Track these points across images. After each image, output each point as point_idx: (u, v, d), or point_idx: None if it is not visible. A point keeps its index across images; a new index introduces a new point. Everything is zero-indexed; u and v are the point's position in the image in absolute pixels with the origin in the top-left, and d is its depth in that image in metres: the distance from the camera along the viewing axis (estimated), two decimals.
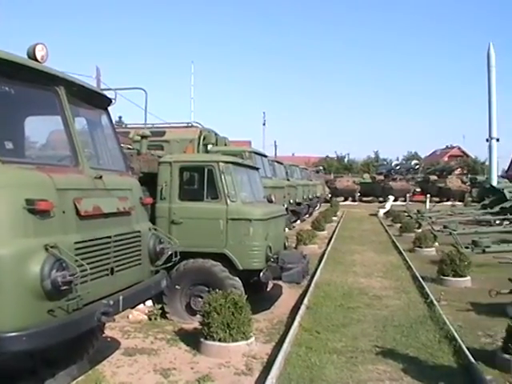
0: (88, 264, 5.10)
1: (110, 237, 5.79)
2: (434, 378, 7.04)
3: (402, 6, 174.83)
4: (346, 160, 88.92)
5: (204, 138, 14.69)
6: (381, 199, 48.78)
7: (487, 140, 49.86)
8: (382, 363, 7.61)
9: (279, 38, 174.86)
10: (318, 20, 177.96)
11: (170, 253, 7.44)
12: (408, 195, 46.94)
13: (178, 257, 7.69)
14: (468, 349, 7.87)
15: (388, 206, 39.21)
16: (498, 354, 7.52)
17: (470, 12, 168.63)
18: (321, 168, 61.96)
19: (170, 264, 7.57)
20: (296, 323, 9.14)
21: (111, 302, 5.54)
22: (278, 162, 23.74)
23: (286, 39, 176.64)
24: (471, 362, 7.37)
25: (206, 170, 9.65)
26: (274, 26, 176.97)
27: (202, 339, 7.89)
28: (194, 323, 9.02)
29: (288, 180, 23.65)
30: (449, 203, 47.12)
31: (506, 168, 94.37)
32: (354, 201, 53.82)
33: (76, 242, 5.16)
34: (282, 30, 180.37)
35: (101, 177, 5.97)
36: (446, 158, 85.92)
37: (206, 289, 9.31)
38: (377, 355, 7.94)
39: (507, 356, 7.29)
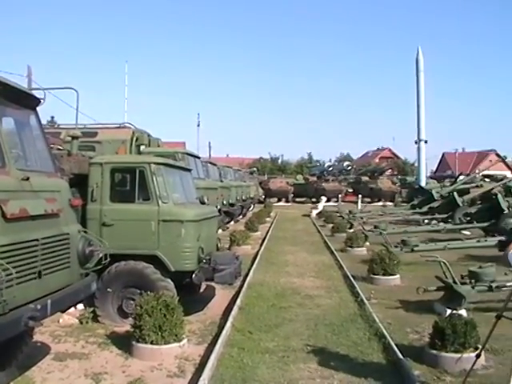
0: (14, 268, 4.97)
1: (37, 239, 5.66)
2: (364, 374, 7.18)
3: (332, 11, 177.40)
4: (279, 161, 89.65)
5: (137, 139, 14.51)
6: (314, 200, 49.31)
7: (416, 142, 51.36)
8: (314, 362, 7.70)
9: (213, 39, 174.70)
10: (251, 20, 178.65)
11: (100, 255, 7.33)
12: (340, 196, 47.64)
13: (108, 259, 7.59)
14: (397, 345, 8.05)
15: (320, 206, 39.71)
16: (425, 349, 7.74)
17: (401, 16, 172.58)
18: (255, 169, 62.22)
19: (100, 267, 7.46)
20: (229, 324, 9.15)
21: (39, 307, 5.42)
22: (211, 164, 23.73)
23: (220, 39, 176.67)
24: (400, 359, 7.54)
25: (137, 172, 9.55)
26: (208, 26, 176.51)
27: (133, 342, 7.80)
28: (126, 326, 8.86)
29: (221, 181, 23.68)
30: (380, 203, 48.15)
31: (435, 169, 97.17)
32: (287, 202, 54.22)
33: (1, 246, 5.03)
34: (217, 29, 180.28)
35: (28, 178, 5.82)
36: (377, 160, 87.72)
37: (138, 291, 9.17)
38: (308, 354, 8.04)
39: (434, 351, 7.51)
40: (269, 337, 8.85)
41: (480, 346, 7.08)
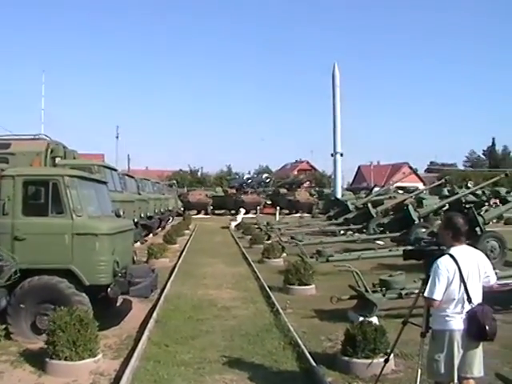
0: None
1: None
2: (278, 383, 7.33)
3: (253, 22, 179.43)
4: (199, 174, 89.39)
5: (52, 151, 14.19)
6: (233, 212, 49.47)
7: (332, 155, 52.54)
8: (229, 372, 7.79)
9: (131, 51, 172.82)
10: (172, 31, 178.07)
11: (13, 270, 7.18)
12: (259, 208, 48.00)
13: (19, 274, 7.43)
14: (310, 353, 8.26)
15: (239, 218, 39.83)
16: (338, 356, 7.97)
17: (317, 32, 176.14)
18: (174, 182, 61.71)
19: (10, 282, 7.29)
20: (145, 337, 9.11)
21: None
22: (128, 176, 23.48)
23: (138, 52, 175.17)
24: (313, 366, 7.74)
25: (50, 184, 9.38)
26: (126, 37, 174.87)
27: (47, 359, 7.64)
28: (39, 343, 8.67)
29: (139, 194, 23.44)
30: (297, 215, 48.72)
31: (351, 181, 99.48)
32: (206, 214, 54.09)
33: None
34: (136, 42, 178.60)
35: None
36: (295, 172, 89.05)
37: (52, 306, 8.98)
38: (224, 365, 8.11)
39: (346, 358, 7.74)
40: (185, 349, 8.86)
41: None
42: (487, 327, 5.37)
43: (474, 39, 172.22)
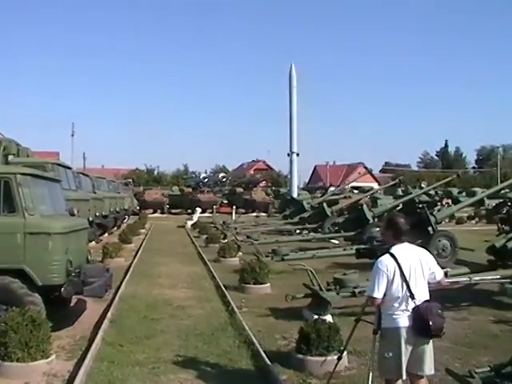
0: None
1: None
2: (233, 381, 7.38)
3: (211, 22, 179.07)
4: (155, 172, 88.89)
5: (4, 149, 13.95)
6: (189, 211, 49.32)
7: (288, 154, 52.88)
8: (183, 372, 7.78)
9: (87, 47, 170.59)
10: (121, 28, 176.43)
11: None
12: (215, 207, 47.98)
13: None
14: (265, 352, 8.29)
15: (195, 217, 39.75)
16: (292, 354, 8.05)
17: (276, 31, 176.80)
18: (130, 180, 61.19)
19: None
20: (99, 338, 9.04)
21: None
22: (83, 174, 23.23)
23: (94, 48, 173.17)
24: (267, 365, 7.79)
25: (2, 183, 9.19)
26: (80, 32, 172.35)
27: None
28: None
29: (94, 192, 23.19)
30: (254, 214, 48.89)
31: (307, 181, 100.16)
32: (162, 213, 53.85)
33: None
34: (92, 37, 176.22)
35: None
36: (252, 171, 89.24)
37: (4, 307, 8.83)
38: (178, 364, 8.10)
39: (300, 356, 7.82)
40: (139, 349, 8.81)
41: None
42: (431, 323, 5.48)
43: (424, 35, 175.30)
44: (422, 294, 5.69)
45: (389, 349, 5.64)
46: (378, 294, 5.60)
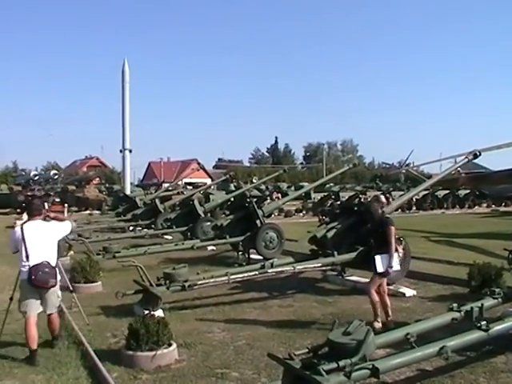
0: None
1: None
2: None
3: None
4: None
5: None
6: (19, 211, 46.99)
7: (121, 151, 52.19)
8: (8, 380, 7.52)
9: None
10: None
11: None
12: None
13: None
14: (95, 351, 8.21)
15: (26, 217, 37.97)
16: (122, 351, 8.05)
17: (110, 26, 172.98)
18: None
19: None
20: None
21: None
22: None
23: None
24: (97, 364, 7.72)
25: None
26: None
27: None
28: None
29: None
30: (87, 212, 47.71)
31: (142, 177, 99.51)
32: None
33: None
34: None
35: None
36: (84, 169, 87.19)
37: None
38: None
39: (130, 352, 7.85)
40: None
41: (173, 342, 7.96)
42: (33, 277, 7.98)
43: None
44: (38, 256, 8.15)
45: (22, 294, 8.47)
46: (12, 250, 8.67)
